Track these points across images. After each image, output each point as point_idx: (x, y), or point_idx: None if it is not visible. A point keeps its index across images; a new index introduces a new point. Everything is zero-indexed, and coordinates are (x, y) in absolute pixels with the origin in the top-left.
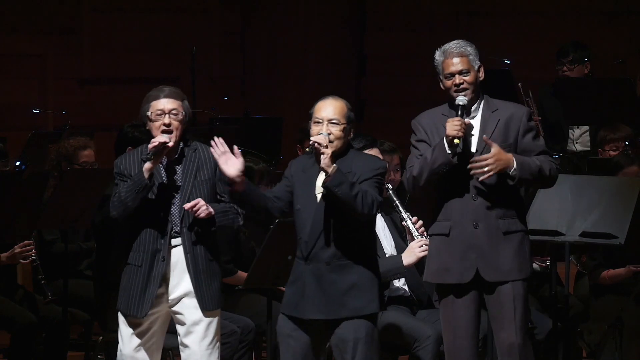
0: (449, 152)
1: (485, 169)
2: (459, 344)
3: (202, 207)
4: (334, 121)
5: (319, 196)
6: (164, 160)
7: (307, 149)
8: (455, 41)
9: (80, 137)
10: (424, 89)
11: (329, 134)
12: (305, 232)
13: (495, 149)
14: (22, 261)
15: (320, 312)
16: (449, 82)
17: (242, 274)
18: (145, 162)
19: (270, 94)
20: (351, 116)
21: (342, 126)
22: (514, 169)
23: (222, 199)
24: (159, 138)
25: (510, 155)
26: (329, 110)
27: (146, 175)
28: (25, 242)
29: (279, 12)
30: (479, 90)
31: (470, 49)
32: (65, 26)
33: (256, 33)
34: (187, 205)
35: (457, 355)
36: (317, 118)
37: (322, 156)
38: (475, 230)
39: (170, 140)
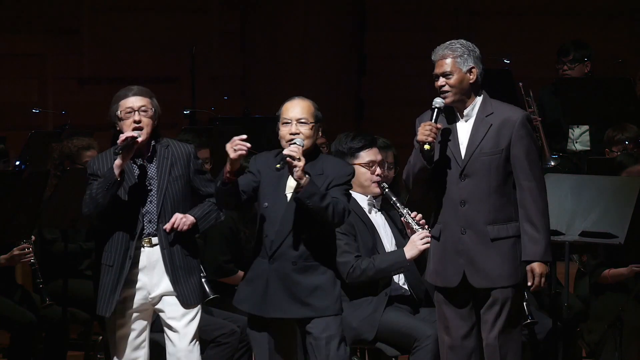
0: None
1: (542, 284)
2: (449, 344)
3: (182, 220)
4: (302, 120)
5: (289, 195)
6: (138, 160)
7: (278, 165)
8: (447, 42)
9: (84, 138)
10: (424, 89)
11: (299, 135)
12: (273, 231)
13: (532, 269)
14: (23, 260)
15: (284, 312)
16: (435, 84)
17: (242, 274)
18: (115, 158)
19: (270, 94)
20: (319, 115)
21: (311, 125)
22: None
23: (200, 192)
24: (128, 133)
25: (539, 268)
26: (297, 110)
27: (116, 171)
28: (24, 245)
29: (279, 12)
30: (470, 93)
31: (459, 51)
32: (65, 26)
33: (256, 33)
34: (167, 227)
35: (448, 356)
36: (286, 119)
37: (294, 169)
38: (463, 236)
39: (139, 135)
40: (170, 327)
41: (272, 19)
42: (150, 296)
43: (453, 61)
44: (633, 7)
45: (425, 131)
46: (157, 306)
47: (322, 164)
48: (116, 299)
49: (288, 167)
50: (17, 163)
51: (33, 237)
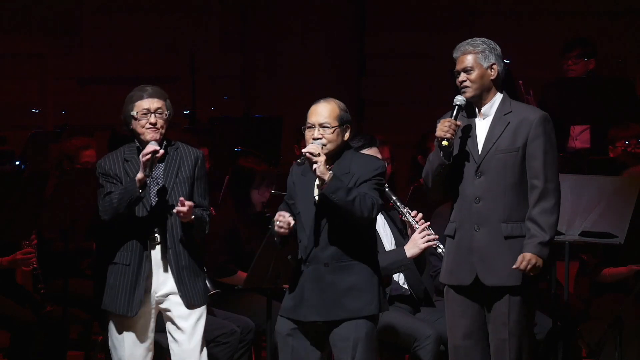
0: (441, 153)
1: (529, 267)
2: (457, 343)
3: (187, 209)
4: (325, 125)
5: (317, 198)
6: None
7: (299, 160)
8: (469, 39)
9: (82, 137)
10: (424, 89)
11: (321, 139)
12: (305, 235)
13: (523, 256)
14: (25, 268)
15: (319, 314)
16: (456, 80)
17: (242, 274)
18: (127, 162)
19: (270, 94)
20: (345, 117)
21: (334, 129)
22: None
23: (198, 200)
24: (149, 148)
25: (530, 256)
26: (319, 114)
27: (138, 185)
28: (27, 249)
29: (279, 12)
30: (490, 89)
31: (481, 47)
32: (65, 26)
33: (256, 33)
34: (182, 208)
35: (456, 355)
36: (309, 123)
37: (315, 165)
38: (476, 233)
39: (159, 147)
40: (177, 327)
41: (272, 19)
42: (157, 295)
43: (474, 57)
44: (633, 7)
45: (444, 127)
46: (162, 305)
47: (350, 163)
48: (138, 298)
49: (309, 164)
50: (17, 163)
51: (35, 241)
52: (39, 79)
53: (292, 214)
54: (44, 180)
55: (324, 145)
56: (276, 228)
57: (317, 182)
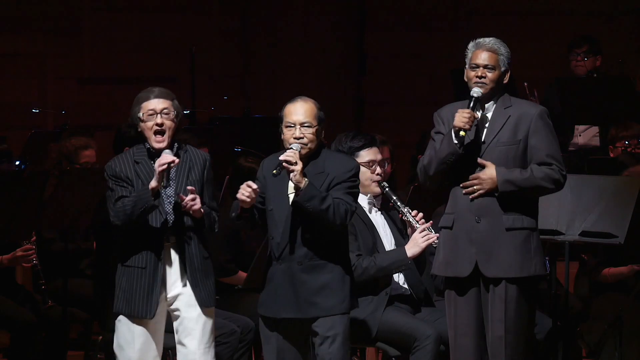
0: (456, 142)
1: (475, 187)
2: (460, 341)
3: (198, 200)
4: (306, 124)
5: (291, 196)
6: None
7: (274, 172)
8: (493, 38)
9: (81, 137)
10: (424, 89)
11: (302, 139)
12: (278, 233)
13: (486, 170)
14: (25, 265)
15: (292, 311)
16: (472, 73)
17: (242, 274)
18: (137, 164)
19: (270, 93)
20: (321, 115)
21: (315, 128)
22: (497, 189)
23: (209, 202)
24: (167, 158)
25: (493, 175)
26: (299, 114)
27: (152, 194)
28: (27, 246)
29: (279, 12)
30: (499, 91)
31: (503, 50)
32: (65, 26)
33: (256, 33)
34: (189, 197)
35: (458, 352)
36: (289, 122)
37: (292, 173)
38: (477, 225)
39: (173, 157)
40: (185, 328)
41: (272, 18)
42: (168, 296)
43: (497, 57)
44: (634, 7)
45: (463, 118)
46: (172, 306)
47: (324, 162)
48: (155, 300)
49: (286, 171)
50: (17, 163)
51: (34, 238)
52: (39, 79)
53: (263, 204)
54: (44, 180)
55: (305, 144)
56: (239, 195)
57: (292, 182)
